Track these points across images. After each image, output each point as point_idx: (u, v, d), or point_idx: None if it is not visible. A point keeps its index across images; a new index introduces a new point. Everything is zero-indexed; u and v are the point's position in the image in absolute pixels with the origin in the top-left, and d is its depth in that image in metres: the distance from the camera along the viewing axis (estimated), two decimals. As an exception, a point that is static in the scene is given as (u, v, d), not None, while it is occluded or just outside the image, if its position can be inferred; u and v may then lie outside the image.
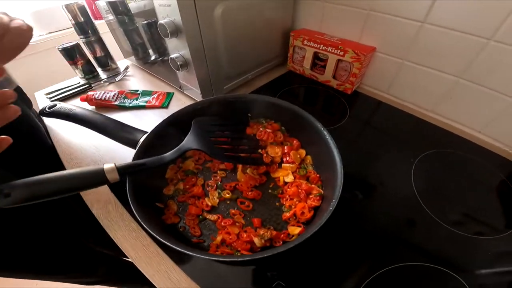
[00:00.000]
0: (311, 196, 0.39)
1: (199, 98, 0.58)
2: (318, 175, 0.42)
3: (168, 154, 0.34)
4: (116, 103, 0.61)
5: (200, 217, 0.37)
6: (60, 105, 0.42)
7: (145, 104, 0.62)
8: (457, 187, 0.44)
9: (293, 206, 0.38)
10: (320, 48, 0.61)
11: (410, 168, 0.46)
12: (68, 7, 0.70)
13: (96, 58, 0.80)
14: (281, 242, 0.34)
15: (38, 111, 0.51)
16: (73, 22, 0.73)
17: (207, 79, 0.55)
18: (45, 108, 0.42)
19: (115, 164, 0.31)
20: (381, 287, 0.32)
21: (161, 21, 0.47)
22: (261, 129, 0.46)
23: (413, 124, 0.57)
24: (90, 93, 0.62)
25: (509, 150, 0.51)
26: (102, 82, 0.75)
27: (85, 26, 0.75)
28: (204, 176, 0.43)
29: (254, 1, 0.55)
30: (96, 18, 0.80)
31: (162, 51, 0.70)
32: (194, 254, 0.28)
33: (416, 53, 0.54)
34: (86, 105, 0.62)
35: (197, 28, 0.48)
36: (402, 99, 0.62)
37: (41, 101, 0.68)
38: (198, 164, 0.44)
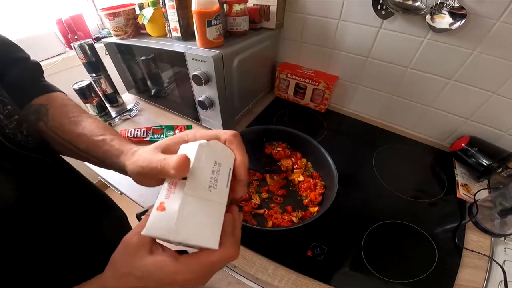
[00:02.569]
0: (317, 187, 0.60)
1: (220, 128, 0.75)
2: (318, 173, 0.64)
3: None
4: (147, 139, 0.73)
5: (252, 212, 0.56)
6: None
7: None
8: (403, 169, 0.71)
9: (308, 195, 0.59)
10: (300, 80, 0.84)
11: (371, 160, 0.72)
12: (81, 47, 0.78)
13: (105, 95, 0.88)
14: (308, 218, 0.55)
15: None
16: (85, 61, 0.81)
17: (226, 114, 0.72)
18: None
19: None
20: (375, 236, 0.54)
21: (195, 73, 0.62)
22: (275, 149, 0.67)
23: (369, 129, 0.84)
24: (122, 131, 0.73)
25: (432, 140, 0.81)
26: (117, 119, 0.84)
27: (95, 65, 0.83)
28: (244, 185, 0.62)
29: (255, 49, 0.74)
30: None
31: (159, 84, 0.83)
32: (269, 228, 0.46)
33: (365, 79, 0.80)
34: None
35: (223, 77, 0.64)
36: (358, 112, 0.89)
37: None
38: (238, 177, 0.63)
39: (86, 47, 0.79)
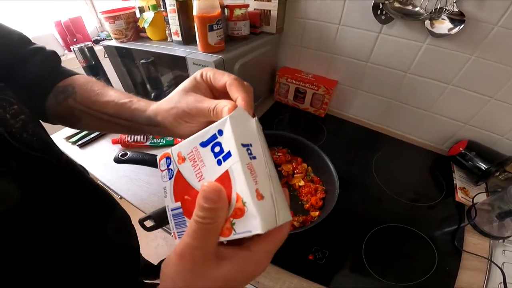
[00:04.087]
0: (318, 192, 0.60)
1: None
2: (318, 178, 0.63)
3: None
4: (147, 143, 0.73)
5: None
6: (131, 153, 0.55)
7: (172, 142, 0.73)
8: (403, 173, 0.72)
9: (309, 200, 0.59)
10: (300, 85, 0.84)
11: (371, 164, 0.72)
12: (81, 50, 0.77)
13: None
14: (309, 222, 0.54)
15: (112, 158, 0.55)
16: (84, 64, 0.80)
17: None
18: (118, 156, 0.54)
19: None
20: (376, 239, 0.54)
21: None
22: (275, 154, 0.66)
23: (368, 133, 0.84)
24: (122, 136, 0.73)
25: (431, 144, 0.81)
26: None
27: (95, 68, 0.82)
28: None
29: (256, 53, 0.74)
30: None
31: (158, 87, 0.83)
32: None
33: (364, 84, 0.81)
34: (118, 146, 0.73)
35: (223, 82, 0.65)
36: (358, 116, 0.90)
37: (60, 145, 0.72)
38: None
39: (86, 50, 0.79)
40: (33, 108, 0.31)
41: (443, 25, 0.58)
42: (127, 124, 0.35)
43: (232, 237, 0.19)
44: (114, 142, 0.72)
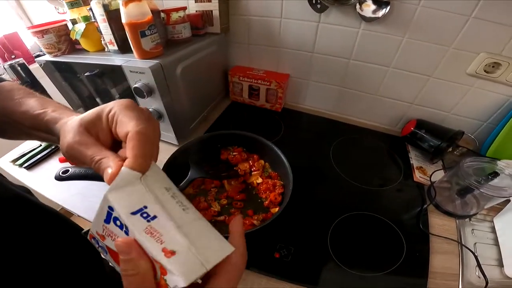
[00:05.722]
0: (276, 187, 0.59)
1: (173, 140, 0.71)
2: (276, 173, 0.63)
3: (181, 185, 0.50)
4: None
5: (212, 220, 0.54)
6: (73, 169, 0.51)
7: None
8: (360, 159, 0.73)
9: (268, 197, 0.58)
10: (252, 82, 0.84)
11: (329, 153, 0.73)
12: (12, 66, 0.72)
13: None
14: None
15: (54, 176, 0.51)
16: (19, 82, 0.75)
17: (178, 124, 0.69)
18: (59, 174, 0.50)
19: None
20: (340, 230, 0.54)
21: (136, 85, 0.58)
22: (231, 154, 0.65)
23: (325, 122, 0.86)
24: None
25: (384, 127, 0.84)
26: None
27: (30, 86, 0.76)
28: (203, 195, 0.59)
29: (201, 54, 0.72)
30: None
31: (110, 100, 0.79)
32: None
33: (314, 74, 0.82)
34: (67, 164, 0.67)
35: (166, 87, 0.61)
36: (314, 107, 0.91)
37: (7, 168, 0.69)
38: (195, 188, 0.60)
39: (18, 67, 0.73)
40: None
41: (370, 8, 0.61)
42: (47, 137, 0.33)
43: None
44: (62, 160, 0.68)
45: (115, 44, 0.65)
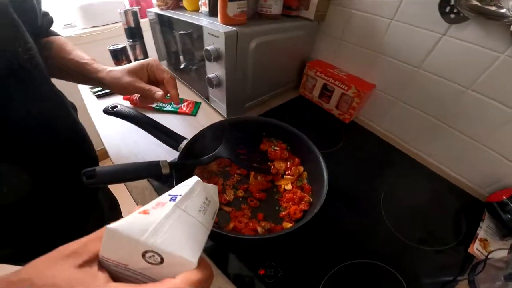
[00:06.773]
0: (302, 202, 0.51)
1: (223, 112, 0.71)
2: (310, 187, 0.54)
3: (205, 158, 0.48)
4: (153, 105, 0.74)
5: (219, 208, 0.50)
6: (121, 107, 0.55)
7: (177, 109, 0.74)
8: (418, 209, 0.56)
9: (288, 208, 0.50)
10: (329, 81, 0.74)
11: (382, 186, 0.59)
12: (126, 13, 0.83)
13: (136, 60, 0.93)
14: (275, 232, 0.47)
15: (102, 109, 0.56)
16: (126, 26, 0.86)
17: (233, 97, 0.68)
18: (108, 107, 0.55)
19: (167, 161, 0.44)
20: (342, 276, 0.44)
21: (207, 47, 0.58)
22: (272, 147, 0.59)
23: (393, 153, 0.70)
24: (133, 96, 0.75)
25: (468, 184, 0.62)
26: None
27: (134, 31, 0.88)
28: (224, 177, 0.56)
29: (283, 36, 0.67)
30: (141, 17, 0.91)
31: (190, 60, 0.82)
32: (216, 230, 0.40)
33: (408, 94, 0.66)
34: (127, 103, 0.75)
35: (235, 57, 0.59)
36: (389, 132, 0.74)
37: (85, 94, 0.80)
38: (220, 167, 0.57)
39: (130, 13, 0.84)
40: None
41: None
42: (84, 78, 0.52)
43: None
44: (125, 98, 0.75)
45: (207, 5, 0.66)
